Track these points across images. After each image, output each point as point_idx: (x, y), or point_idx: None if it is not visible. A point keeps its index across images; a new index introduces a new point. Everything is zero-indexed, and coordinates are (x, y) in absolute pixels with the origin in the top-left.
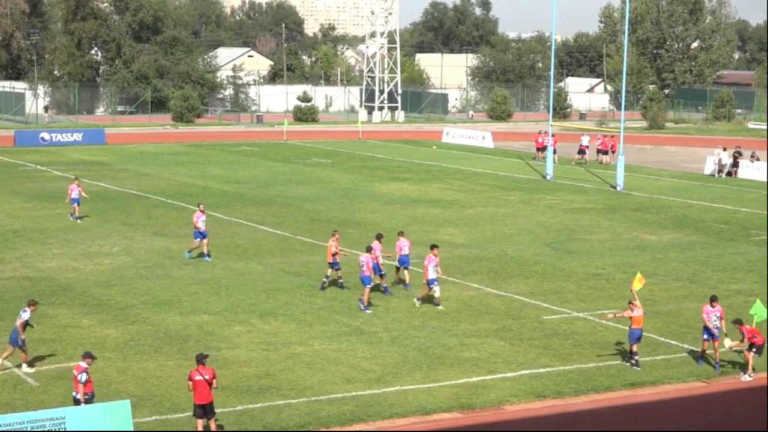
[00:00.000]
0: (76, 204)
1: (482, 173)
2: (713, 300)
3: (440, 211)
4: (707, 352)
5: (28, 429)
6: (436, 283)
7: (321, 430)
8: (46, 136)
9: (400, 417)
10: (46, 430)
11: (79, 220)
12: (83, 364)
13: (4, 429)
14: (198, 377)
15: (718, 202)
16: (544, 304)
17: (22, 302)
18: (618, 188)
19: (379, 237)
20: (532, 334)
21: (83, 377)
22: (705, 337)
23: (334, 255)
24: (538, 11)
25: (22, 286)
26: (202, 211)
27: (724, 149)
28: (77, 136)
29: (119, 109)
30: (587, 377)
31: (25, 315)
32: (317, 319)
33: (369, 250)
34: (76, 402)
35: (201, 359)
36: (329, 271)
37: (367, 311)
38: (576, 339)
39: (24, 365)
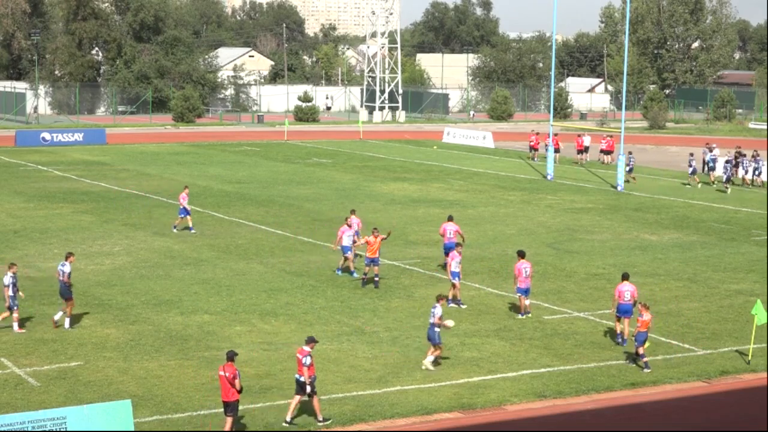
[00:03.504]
0: (185, 215)
1: (483, 173)
2: (625, 278)
3: (441, 211)
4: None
5: (29, 429)
6: (527, 294)
7: (322, 430)
8: (47, 136)
9: (400, 417)
10: (47, 430)
11: (175, 230)
12: (307, 348)
13: (5, 429)
14: (221, 373)
15: (718, 202)
16: (545, 303)
17: (23, 302)
18: (619, 188)
19: (450, 218)
20: (532, 334)
21: (308, 360)
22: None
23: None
24: (539, 11)
25: (23, 286)
26: (349, 226)
27: (711, 149)
28: (78, 136)
29: (120, 109)
30: (588, 377)
31: (437, 310)
32: (318, 319)
33: (457, 245)
34: (300, 384)
35: (229, 357)
36: (374, 269)
37: (462, 306)
38: (576, 339)
39: (429, 360)
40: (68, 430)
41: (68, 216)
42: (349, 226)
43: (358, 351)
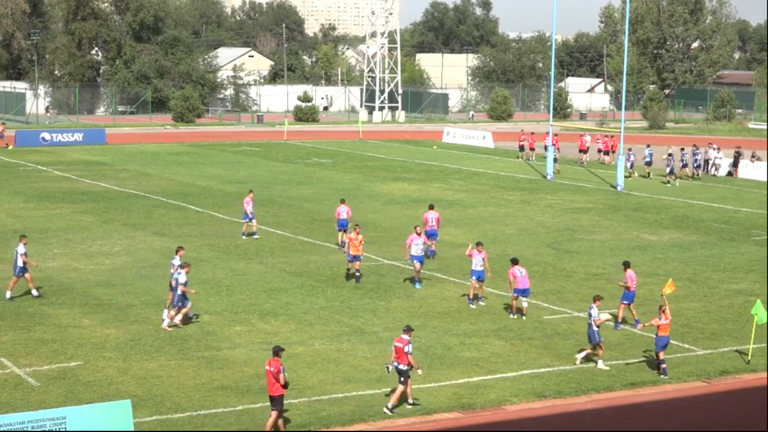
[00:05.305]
0: (248, 220)
1: (483, 173)
2: (627, 265)
3: (441, 211)
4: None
5: (29, 429)
6: (526, 294)
7: (322, 430)
8: (46, 136)
9: (400, 417)
10: (46, 430)
11: (244, 236)
12: (406, 337)
13: (5, 429)
14: (267, 368)
15: (718, 202)
16: (545, 303)
17: (23, 302)
18: (618, 188)
19: (431, 206)
20: (532, 334)
21: (409, 348)
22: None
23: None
24: (539, 11)
25: (23, 286)
26: (418, 234)
27: (716, 148)
28: (78, 136)
29: (120, 109)
30: (588, 377)
31: (594, 311)
32: (318, 319)
33: (478, 244)
34: (400, 372)
35: (275, 351)
36: (356, 264)
37: (472, 306)
38: (576, 339)
39: (600, 362)
40: (68, 430)
41: (68, 216)
42: (418, 234)
43: (358, 351)
